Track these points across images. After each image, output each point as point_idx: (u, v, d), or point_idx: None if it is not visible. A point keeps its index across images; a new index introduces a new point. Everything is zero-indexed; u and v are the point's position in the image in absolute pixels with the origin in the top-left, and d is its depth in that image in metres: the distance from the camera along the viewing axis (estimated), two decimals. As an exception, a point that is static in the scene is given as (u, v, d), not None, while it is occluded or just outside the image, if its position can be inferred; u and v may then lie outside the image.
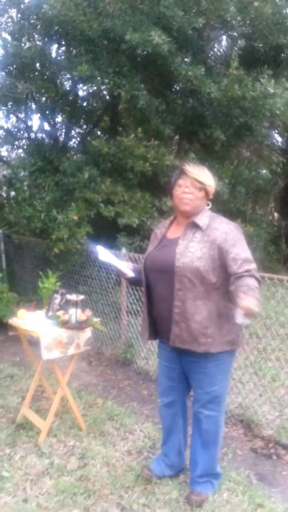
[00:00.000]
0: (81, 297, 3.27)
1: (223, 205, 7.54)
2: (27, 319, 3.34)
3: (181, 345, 2.43)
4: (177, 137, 8.01)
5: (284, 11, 6.41)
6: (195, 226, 2.42)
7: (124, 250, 4.73)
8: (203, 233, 2.38)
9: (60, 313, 3.26)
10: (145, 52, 5.40)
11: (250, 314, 2.05)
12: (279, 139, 11.10)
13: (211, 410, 2.54)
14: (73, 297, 3.24)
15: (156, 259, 2.50)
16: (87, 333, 3.27)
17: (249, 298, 2.07)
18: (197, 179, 2.42)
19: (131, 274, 2.62)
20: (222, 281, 2.36)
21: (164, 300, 2.45)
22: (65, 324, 3.19)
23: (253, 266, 2.29)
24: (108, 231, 6.03)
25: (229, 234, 2.36)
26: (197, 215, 2.45)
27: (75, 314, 3.20)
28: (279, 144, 11.22)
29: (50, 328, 3.18)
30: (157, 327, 2.60)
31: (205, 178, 2.45)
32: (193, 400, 2.65)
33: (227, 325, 2.40)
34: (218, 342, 2.40)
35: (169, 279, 2.38)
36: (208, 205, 2.53)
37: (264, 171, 8.75)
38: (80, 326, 3.20)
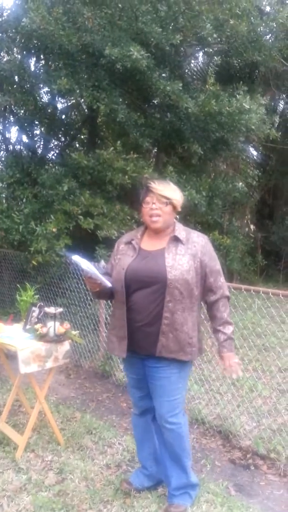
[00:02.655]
0: (60, 309, 3.26)
1: (200, 217, 7.65)
2: (4, 333, 3.31)
3: (166, 355, 2.46)
4: (155, 150, 8.11)
5: (259, 29, 6.59)
6: (176, 240, 2.50)
7: (103, 262, 4.72)
8: (185, 246, 2.48)
9: (38, 326, 3.24)
10: (123, 67, 5.48)
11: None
12: (255, 153, 11.38)
13: (171, 424, 2.56)
14: (51, 310, 3.23)
15: (140, 271, 2.46)
16: (66, 346, 3.26)
17: (231, 361, 2.53)
18: (163, 194, 2.48)
19: (108, 284, 2.53)
20: (200, 292, 2.52)
21: (144, 311, 2.44)
22: (43, 337, 3.17)
23: (223, 280, 2.57)
24: (87, 243, 6.03)
25: (205, 247, 2.53)
26: (173, 229, 2.53)
27: (53, 327, 3.18)
28: (255, 158, 11.50)
29: (27, 342, 3.16)
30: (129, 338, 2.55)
31: (170, 192, 2.51)
32: (155, 414, 2.64)
33: (199, 334, 2.56)
34: (198, 350, 2.53)
35: (157, 290, 2.41)
36: (176, 218, 2.61)
37: (240, 184, 8.90)
38: (58, 339, 3.19)
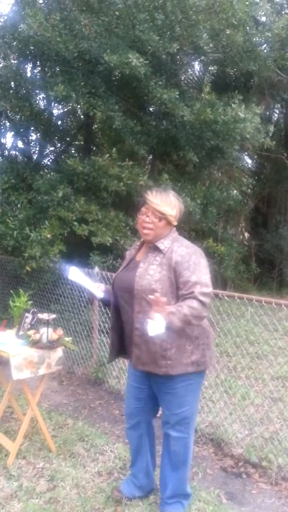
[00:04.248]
0: (53, 316, 3.26)
1: (195, 225, 7.69)
2: (-3, 338, 3.30)
3: (142, 368, 2.45)
4: (150, 157, 8.15)
5: (255, 39, 6.66)
6: (157, 249, 2.45)
7: (96, 269, 4.75)
8: (164, 256, 2.41)
9: (31, 332, 3.24)
10: (121, 74, 5.52)
11: (157, 326, 2.13)
12: (249, 161, 11.45)
13: (179, 432, 2.55)
14: (44, 316, 3.22)
15: (120, 281, 2.53)
16: (59, 352, 3.25)
17: (161, 312, 2.13)
18: (158, 209, 2.43)
19: (100, 295, 2.62)
20: None
21: (128, 321, 2.48)
22: (36, 343, 3.17)
23: (200, 288, 2.28)
24: (81, 249, 6.04)
25: (185, 257, 2.36)
26: (160, 239, 2.47)
27: (46, 333, 3.18)
28: (249, 166, 11.57)
29: (20, 348, 3.15)
30: (125, 347, 2.60)
31: (165, 208, 2.44)
32: (162, 421, 2.65)
33: (191, 346, 2.42)
34: (179, 364, 2.39)
35: (131, 301, 2.42)
36: (170, 231, 2.52)
37: (234, 192, 8.97)
38: (51, 345, 3.18)
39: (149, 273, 2.38)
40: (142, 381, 2.61)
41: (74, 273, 2.62)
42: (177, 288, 2.34)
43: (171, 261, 2.36)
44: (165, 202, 2.46)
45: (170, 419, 2.54)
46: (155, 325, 2.14)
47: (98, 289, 2.64)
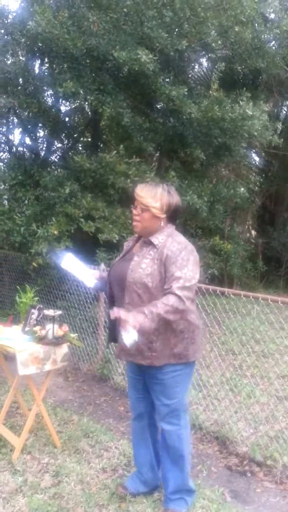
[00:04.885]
0: (59, 312, 3.27)
1: (201, 222, 7.68)
2: (3, 334, 3.31)
3: (125, 358, 2.51)
4: (157, 154, 8.14)
5: (263, 36, 6.63)
6: (151, 244, 2.47)
7: (103, 265, 4.74)
8: (157, 250, 2.43)
9: (37, 328, 3.25)
10: (129, 71, 5.52)
11: (130, 336, 2.17)
12: (257, 159, 11.40)
13: (171, 424, 2.57)
14: (50, 312, 3.24)
15: (115, 271, 2.56)
16: (64, 348, 3.26)
17: (128, 325, 2.16)
18: (141, 201, 2.46)
19: (90, 285, 2.68)
20: None
21: None
22: (41, 339, 3.18)
23: (182, 283, 2.28)
24: (88, 246, 6.05)
25: (174, 252, 2.37)
26: (154, 234, 2.48)
27: (52, 330, 3.19)
28: (257, 163, 11.51)
29: (26, 344, 3.16)
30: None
31: (149, 200, 2.44)
32: (155, 416, 2.68)
33: (174, 339, 2.45)
34: (163, 355, 2.44)
35: (122, 292, 2.46)
36: (161, 224, 2.50)
37: (242, 189, 8.92)
38: (57, 341, 3.19)
39: (142, 266, 2.41)
40: (136, 371, 2.64)
41: (69, 261, 2.64)
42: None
43: (162, 255, 2.39)
44: (149, 195, 2.46)
45: (161, 410, 2.57)
46: (128, 336, 2.20)
47: (91, 277, 2.68)
